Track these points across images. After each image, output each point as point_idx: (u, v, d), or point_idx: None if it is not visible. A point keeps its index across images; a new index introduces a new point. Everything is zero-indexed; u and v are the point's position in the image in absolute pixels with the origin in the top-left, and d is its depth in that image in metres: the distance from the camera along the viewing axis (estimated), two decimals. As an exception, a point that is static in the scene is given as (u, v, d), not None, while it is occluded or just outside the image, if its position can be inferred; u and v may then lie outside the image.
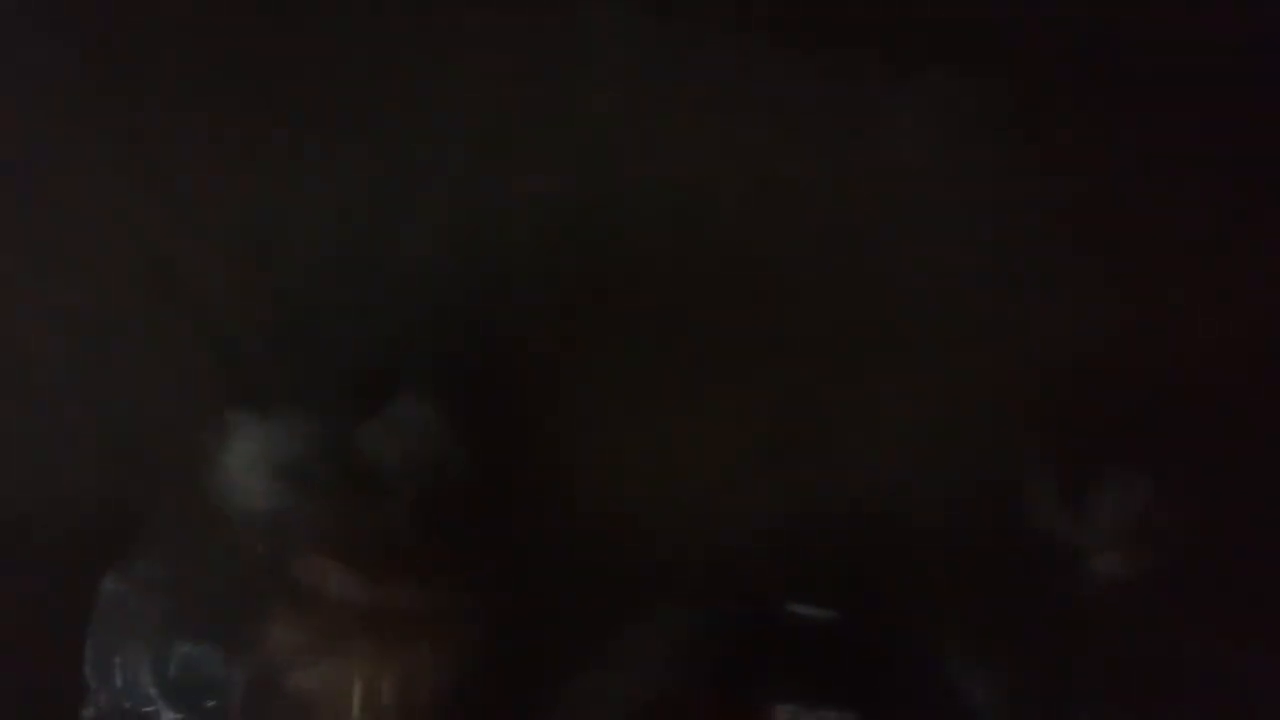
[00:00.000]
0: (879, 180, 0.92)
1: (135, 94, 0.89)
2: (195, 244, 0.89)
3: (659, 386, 0.93)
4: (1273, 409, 0.90)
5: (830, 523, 0.91)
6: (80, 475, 0.88)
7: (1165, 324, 0.92)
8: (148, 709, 0.83)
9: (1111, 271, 0.91)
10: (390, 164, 0.91)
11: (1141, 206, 0.92)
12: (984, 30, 0.90)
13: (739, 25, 0.91)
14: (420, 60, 0.90)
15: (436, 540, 0.87)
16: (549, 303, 0.92)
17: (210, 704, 0.82)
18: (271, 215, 0.91)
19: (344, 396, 0.89)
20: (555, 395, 0.92)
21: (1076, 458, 0.86)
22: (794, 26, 0.91)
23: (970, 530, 0.88)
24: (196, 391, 0.89)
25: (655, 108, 0.92)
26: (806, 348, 0.93)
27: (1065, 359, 0.91)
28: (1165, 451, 0.86)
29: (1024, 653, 0.84)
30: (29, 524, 0.87)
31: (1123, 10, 0.90)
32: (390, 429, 0.89)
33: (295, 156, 0.90)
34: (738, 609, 0.87)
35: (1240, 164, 0.91)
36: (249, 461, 0.87)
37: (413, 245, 0.91)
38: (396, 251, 0.91)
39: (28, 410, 0.89)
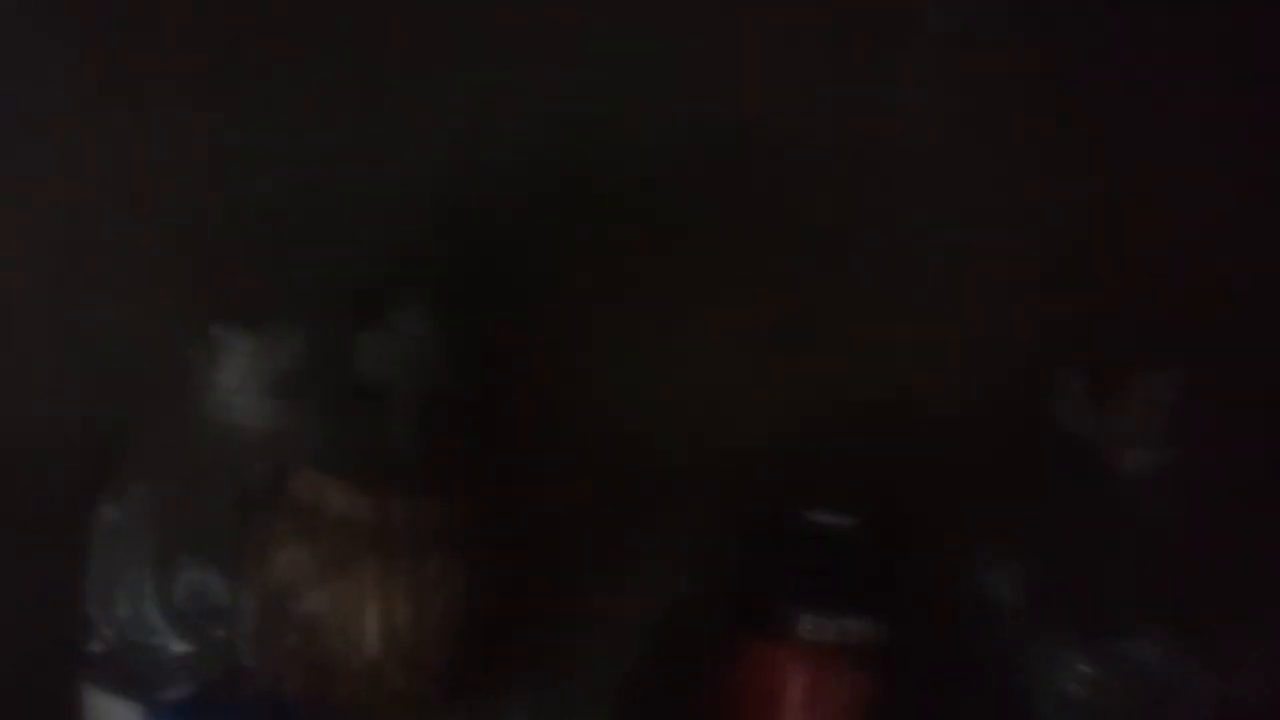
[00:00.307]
0: (891, 68, 0.88)
1: (112, 6, 0.84)
2: (180, 157, 0.85)
3: (663, 289, 0.90)
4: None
5: (846, 425, 0.88)
6: (69, 399, 0.85)
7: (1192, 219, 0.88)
8: (155, 640, 0.81)
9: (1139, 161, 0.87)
10: (383, 72, 0.87)
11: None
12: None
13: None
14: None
15: (440, 453, 0.84)
16: (548, 208, 0.89)
17: (219, 632, 0.80)
18: (259, 126, 0.87)
19: (339, 309, 0.86)
20: (556, 300, 0.89)
21: (1104, 353, 0.84)
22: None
23: (993, 429, 0.86)
24: (186, 309, 0.85)
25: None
26: (816, 240, 0.90)
27: (1092, 248, 0.88)
28: (1194, 346, 0.84)
29: (1048, 553, 0.82)
30: (19, 453, 0.84)
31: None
32: (387, 340, 0.86)
33: (283, 65, 0.85)
34: (752, 517, 0.86)
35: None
36: (242, 378, 0.84)
37: (407, 153, 0.87)
38: (392, 160, 0.87)
39: (12, 335, 0.85)
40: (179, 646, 0.81)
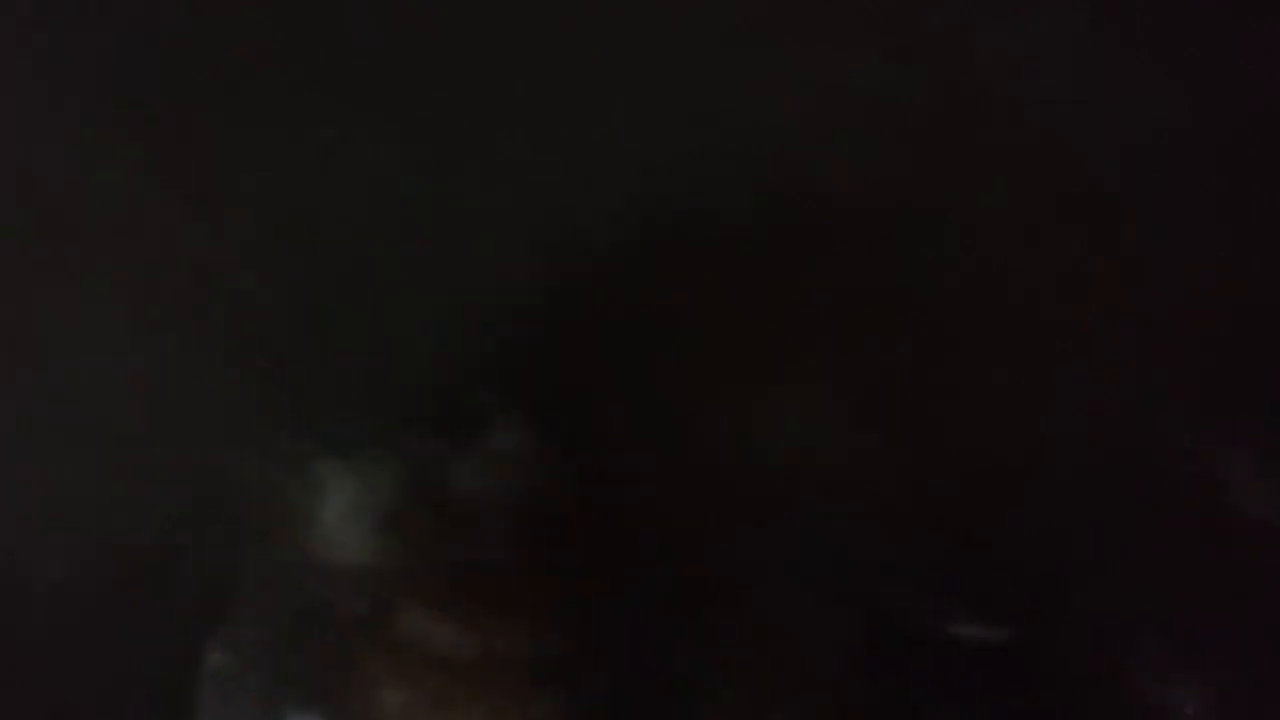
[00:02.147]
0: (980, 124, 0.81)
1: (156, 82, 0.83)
2: (272, 286, 0.84)
3: (768, 387, 0.84)
4: None
5: (966, 518, 0.80)
6: (170, 540, 0.83)
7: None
8: (262, 789, 0.78)
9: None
10: (456, 178, 0.84)
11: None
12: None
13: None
14: (463, 50, 0.83)
15: (545, 578, 0.79)
16: (636, 308, 0.84)
17: (325, 782, 0.77)
18: (332, 240, 0.84)
19: (434, 434, 0.82)
20: (652, 402, 0.84)
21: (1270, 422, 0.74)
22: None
23: (1147, 512, 0.77)
24: (282, 445, 0.83)
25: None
26: (911, 314, 0.83)
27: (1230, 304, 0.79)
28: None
29: (1234, 661, 0.72)
30: (122, 594, 0.82)
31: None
32: (485, 462, 0.82)
33: (354, 177, 0.83)
34: (883, 631, 0.78)
35: None
36: (343, 514, 0.81)
37: (485, 259, 0.83)
38: (469, 268, 0.84)
39: (111, 475, 0.84)
40: (286, 797, 0.77)
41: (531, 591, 0.78)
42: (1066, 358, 0.84)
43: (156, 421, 0.82)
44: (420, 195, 0.83)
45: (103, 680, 0.80)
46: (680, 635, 0.79)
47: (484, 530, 0.80)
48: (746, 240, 0.86)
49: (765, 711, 0.77)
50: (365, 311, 0.83)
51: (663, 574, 0.81)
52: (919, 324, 0.84)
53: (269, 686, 0.79)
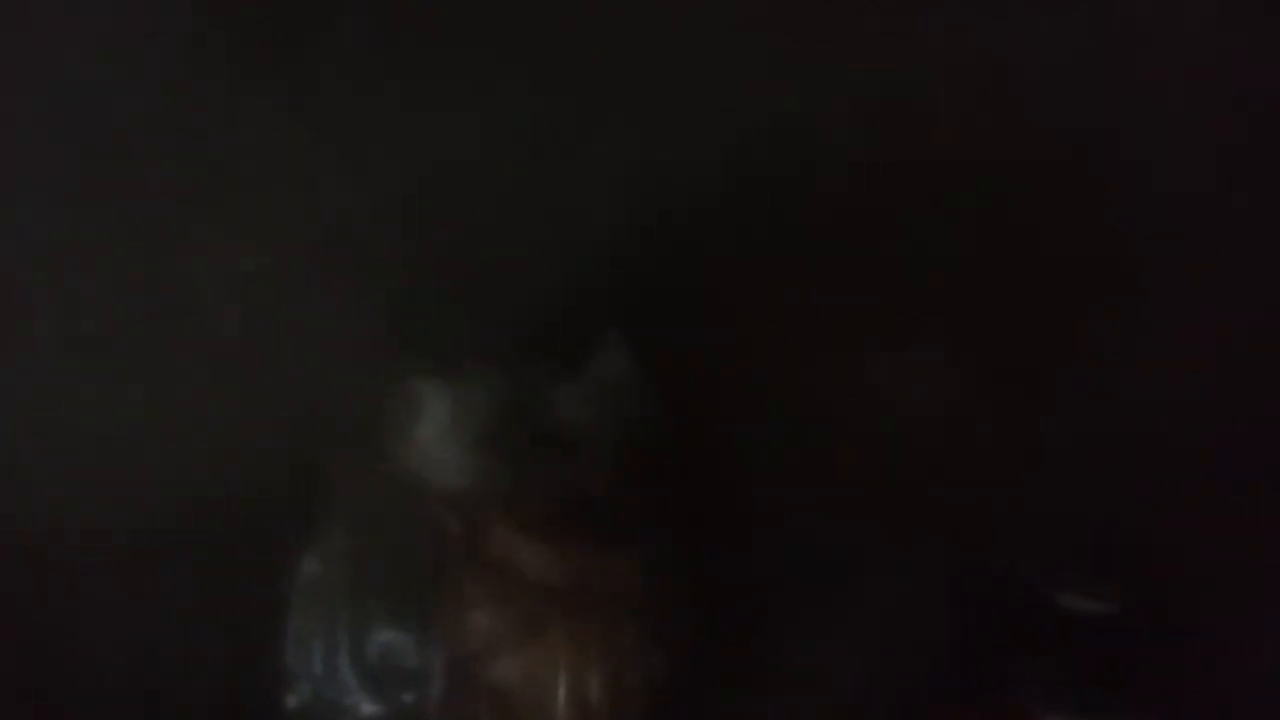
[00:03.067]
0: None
1: (300, 47, 0.84)
2: (374, 204, 0.84)
3: (867, 330, 0.83)
4: None
5: (1082, 479, 0.79)
6: (270, 449, 0.84)
7: None
8: (348, 699, 0.79)
9: None
10: (568, 111, 0.83)
11: None
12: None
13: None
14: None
15: (637, 510, 0.79)
16: (742, 246, 0.83)
17: (408, 698, 0.77)
18: (448, 171, 0.84)
19: (536, 357, 0.82)
20: (756, 343, 0.83)
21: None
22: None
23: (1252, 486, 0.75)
24: (383, 358, 0.83)
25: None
26: (1024, 280, 0.82)
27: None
28: None
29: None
30: (222, 501, 0.84)
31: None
32: (586, 388, 0.81)
33: (471, 109, 0.83)
34: (977, 585, 0.77)
35: None
36: (439, 431, 0.81)
37: (596, 197, 0.83)
38: (580, 204, 0.83)
39: (214, 385, 0.85)
40: (370, 708, 0.78)
41: (622, 523, 0.78)
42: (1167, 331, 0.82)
43: (272, 339, 0.83)
44: (535, 141, 0.83)
45: (202, 584, 0.82)
46: (767, 580, 0.79)
47: (579, 458, 0.80)
48: (856, 198, 0.84)
49: (851, 666, 0.77)
50: (475, 241, 0.83)
51: (752, 517, 0.81)
52: (1023, 297, 0.83)
53: (358, 597, 0.80)
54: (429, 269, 0.84)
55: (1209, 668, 0.77)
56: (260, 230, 0.85)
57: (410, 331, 0.83)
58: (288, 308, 0.84)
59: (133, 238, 0.85)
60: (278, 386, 0.84)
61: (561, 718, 0.75)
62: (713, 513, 0.79)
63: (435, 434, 0.81)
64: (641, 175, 0.84)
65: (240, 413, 0.83)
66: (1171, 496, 0.80)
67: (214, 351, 0.85)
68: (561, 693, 0.75)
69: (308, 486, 0.81)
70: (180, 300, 0.85)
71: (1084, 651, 0.74)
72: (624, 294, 0.83)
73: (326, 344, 0.83)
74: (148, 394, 0.84)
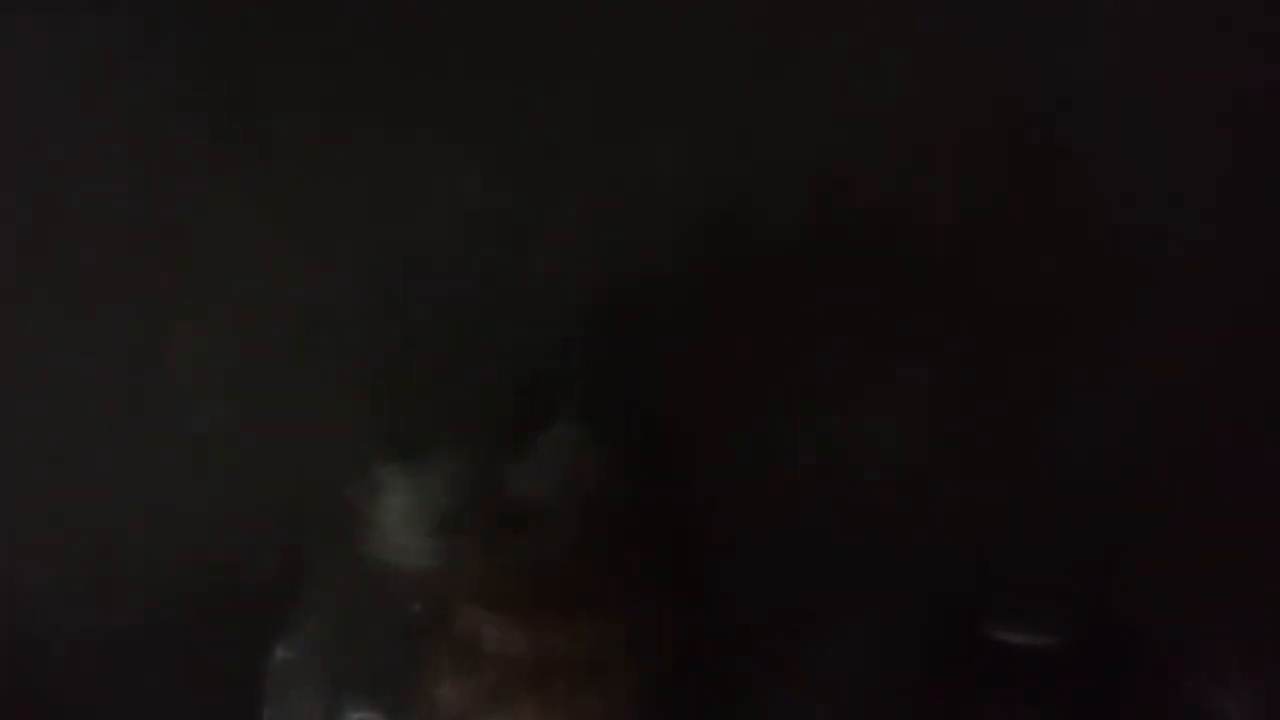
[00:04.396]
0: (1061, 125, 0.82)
1: (265, 145, 0.87)
2: (341, 296, 0.87)
3: (822, 386, 0.86)
4: None
5: (1037, 526, 0.82)
6: (248, 538, 0.86)
7: None
8: (325, 780, 0.81)
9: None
10: (521, 197, 0.87)
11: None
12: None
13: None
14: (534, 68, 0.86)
15: (600, 577, 0.82)
16: (693, 310, 0.87)
17: (385, 773, 0.79)
18: (410, 262, 0.88)
19: (493, 434, 0.85)
20: (711, 406, 0.86)
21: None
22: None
23: (1223, 520, 0.78)
24: (351, 447, 0.86)
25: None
26: (990, 321, 0.85)
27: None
28: None
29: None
30: (192, 589, 0.86)
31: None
32: (543, 462, 0.84)
33: (429, 202, 0.87)
34: (940, 634, 0.79)
35: None
36: (402, 516, 0.84)
37: (544, 268, 0.86)
38: (528, 279, 0.87)
39: (192, 477, 0.88)
40: (348, 787, 0.80)
41: (585, 592, 0.81)
42: (1124, 365, 0.85)
43: (227, 427, 0.86)
44: (486, 215, 0.86)
45: (176, 674, 0.84)
46: (731, 636, 0.81)
47: (540, 532, 0.83)
48: (810, 250, 0.87)
49: (817, 715, 0.79)
50: (428, 324, 0.87)
51: (715, 576, 0.84)
52: (987, 335, 0.85)
53: (332, 681, 0.82)
54: (395, 356, 0.87)
55: (1188, 707, 0.79)
56: (234, 324, 0.88)
57: (376, 420, 0.86)
58: (262, 399, 0.87)
59: (110, 333, 0.88)
60: (253, 477, 0.86)
61: (533, 786, 0.77)
62: (678, 573, 0.82)
63: (399, 519, 0.84)
64: (592, 254, 0.88)
65: (218, 503, 0.86)
66: (1154, 529, 0.82)
67: (192, 443, 0.87)
68: (531, 760, 0.77)
69: (283, 574, 0.84)
70: (159, 394, 0.88)
71: (1059, 688, 0.77)
72: (579, 369, 0.86)
73: (299, 434, 0.86)
74: (128, 487, 0.86)
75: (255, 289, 0.87)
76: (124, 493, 0.86)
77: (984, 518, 0.82)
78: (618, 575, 0.81)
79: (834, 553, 0.82)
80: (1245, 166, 0.85)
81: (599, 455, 0.84)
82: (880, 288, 0.87)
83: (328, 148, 0.86)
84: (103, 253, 0.86)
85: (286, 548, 0.85)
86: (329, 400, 0.86)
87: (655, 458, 0.84)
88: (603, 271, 0.87)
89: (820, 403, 0.86)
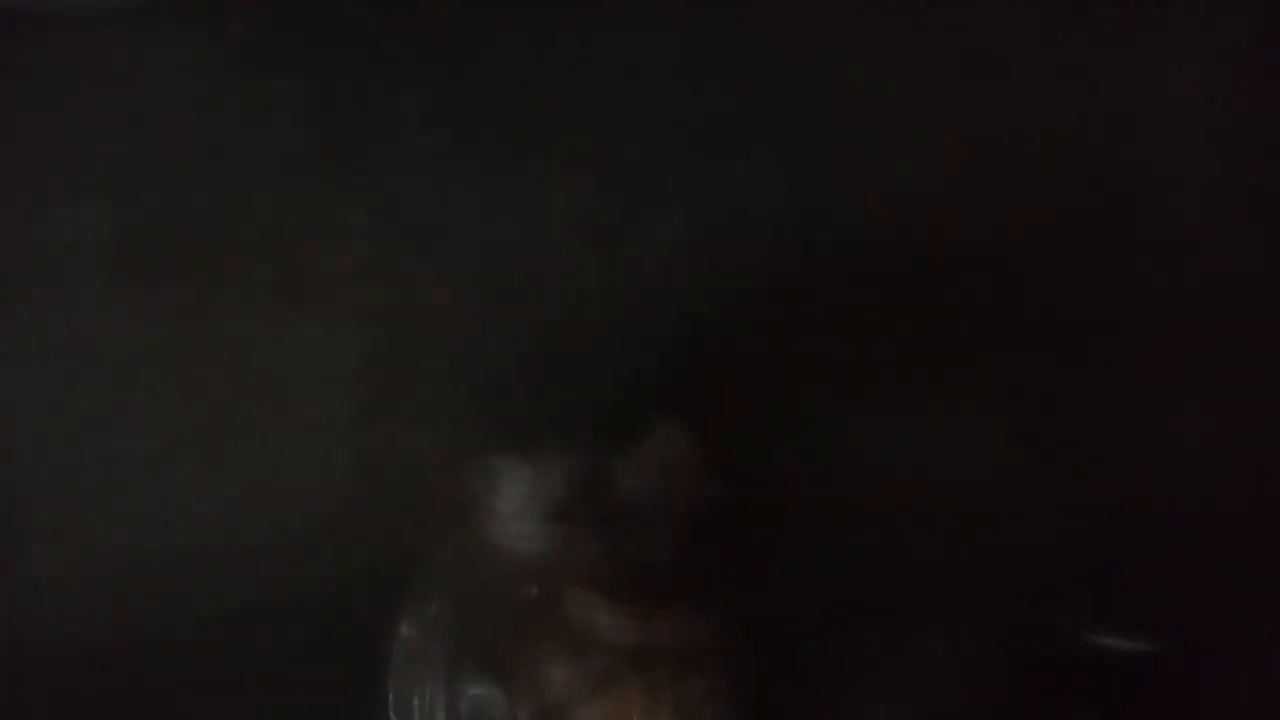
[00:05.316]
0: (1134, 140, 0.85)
1: (388, 159, 0.93)
2: (453, 296, 0.93)
3: (915, 396, 0.90)
4: None
5: (1115, 532, 0.85)
6: (365, 527, 0.93)
7: None
8: (445, 749, 0.87)
9: None
10: (622, 192, 0.92)
11: None
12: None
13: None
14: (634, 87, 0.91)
15: (700, 571, 0.87)
16: (789, 319, 0.91)
17: (500, 746, 0.86)
18: (512, 252, 0.93)
19: (602, 433, 0.91)
20: (804, 411, 0.91)
21: None
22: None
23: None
24: (466, 441, 0.92)
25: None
26: (1066, 332, 0.88)
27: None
28: None
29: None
30: (323, 571, 0.93)
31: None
32: (647, 464, 0.90)
33: (536, 206, 0.92)
34: (1023, 638, 0.83)
35: None
36: (517, 505, 0.90)
37: (649, 274, 0.92)
38: (635, 282, 0.92)
39: (315, 468, 0.94)
40: (473, 756, 0.87)
41: (685, 583, 0.86)
42: (1204, 377, 0.88)
43: (366, 422, 0.93)
44: (602, 229, 0.92)
45: (308, 648, 0.91)
46: (822, 632, 0.86)
47: (643, 525, 0.89)
48: (900, 262, 0.92)
49: (909, 714, 0.83)
50: (545, 328, 0.92)
51: (808, 574, 0.89)
52: (1067, 347, 0.89)
53: (451, 657, 0.89)
54: (505, 356, 0.93)
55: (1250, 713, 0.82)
56: (353, 323, 0.95)
57: (490, 415, 0.92)
58: (382, 392, 0.94)
59: (237, 332, 0.95)
60: (373, 468, 0.93)
61: (636, 763, 0.83)
62: (769, 574, 0.87)
63: (514, 509, 0.90)
64: (691, 260, 0.93)
65: (345, 491, 0.93)
66: (1207, 543, 0.85)
67: (315, 433, 0.94)
68: (635, 741, 0.83)
69: (404, 559, 0.90)
70: (283, 391, 0.95)
71: (1122, 700, 0.80)
72: (682, 372, 0.92)
73: (416, 428, 0.93)
74: (255, 478, 0.93)
75: (382, 293, 0.93)
76: (257, 479, 0.93)
77: (1066, 525, 0.86)
78: (716, 569, 0.87)
79: (919, 555, 0.87)
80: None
81: (699, 456, 0.89)
82: (970, 299, 0.91)
83: (445, 162, 0.92)
84: (240, 257, 0.93)
85: (411, 533, 0.91)
86: (450, 397, 0.92)
87: (751, 460, 0.89)
88: (702, 281, 0.92)
89: (911, 411, 0.90)
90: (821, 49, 0.90)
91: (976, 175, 0.91)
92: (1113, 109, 0.90)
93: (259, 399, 0.93)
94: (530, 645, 0.87)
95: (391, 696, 0.89)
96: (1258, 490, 0.86)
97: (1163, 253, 0.90)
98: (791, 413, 0.91)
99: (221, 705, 0.91)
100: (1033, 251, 0.91)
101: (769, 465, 0.90)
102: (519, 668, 0.87)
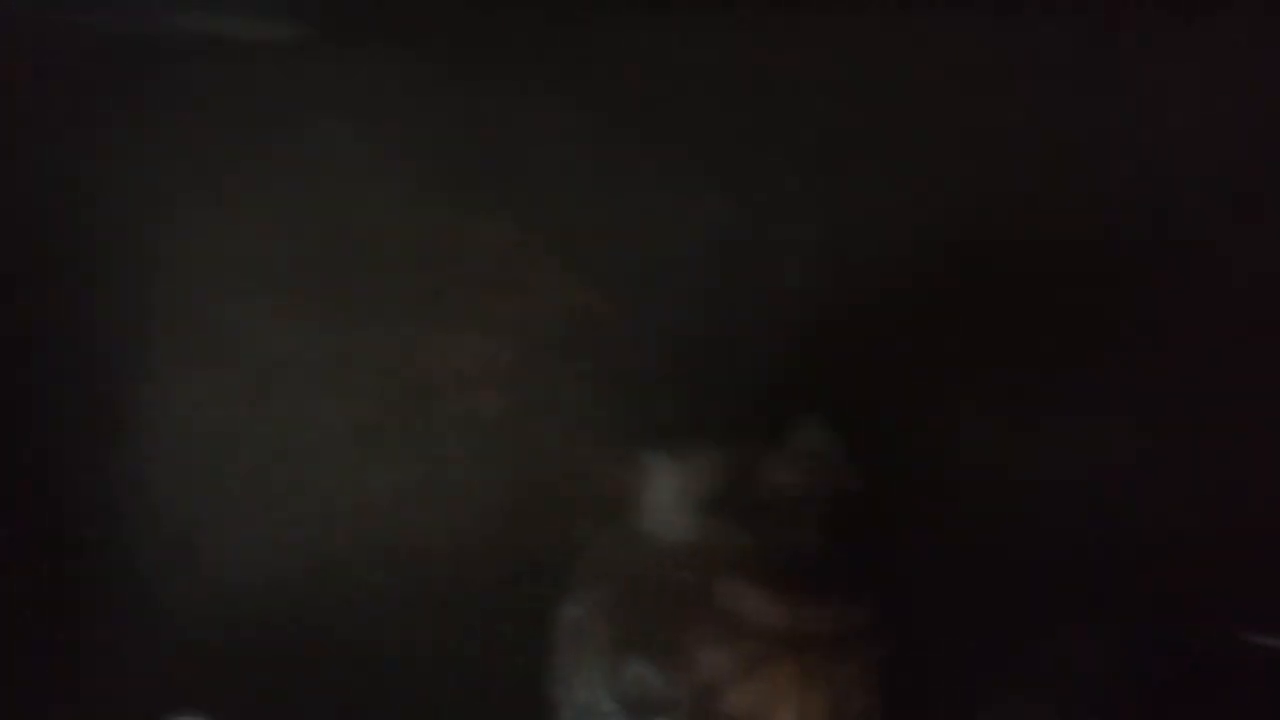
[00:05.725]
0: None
1: (534, 165, 0.99)
2: (606, 298, 0.99)
3: (1050, 391, 0.94)
4: None
5: (1264, 528, 0.88)
6: (535, 514, 1.00)
7: None
8: (608, 722, 0.95)
9: None
10: (764, 197, 0.97)
11: None
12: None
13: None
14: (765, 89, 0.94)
15: (845, 561, 0.93)
16: (927, 318, 0.96)
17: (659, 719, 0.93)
18: (657, 258, 0.99)
19: (747, 430, 0.97)
20: (945, 408, 0.96)
21: None
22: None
23: None
24: (617, 437, 0.99)
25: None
26: (1210, 327, 0.92)
27: None
28: None
29: None
30: (495, 555, 1.00)
31: None
32: (793, 458, 0.96)
33: (681, 210, 0.97)
34: (1173, 634, 0.86)
35: None
36: (669, 497, 0.97)
37: (791, 277, 0.97)
38: (777, 284, 0.97)
39: (478, 461, 1.02)
40: (627, 730, 0.94)
41: (831, 576, 0.93)
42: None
43: (525, 421, 0.99)
44: (743, 234, 0.97)
45: (481, 626, 0.99)
46: (964, 624, 0.91)
47: (790, 517, 0.95)
48: (1035, 261, 0.95)
49: (1051, 710, 0.89)
50: (691, 330, 0.98)
51: (950, 565, 0.94)
52: (1211, 348, 0.91)
53: (612, 637, 0.96)
54: (654, 358, 0.99)
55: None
56: (511, 324, 1.01)
57: (640, 414, 0.99)
58: (538, 392, 1.00)
59: (403, 335, 1.01)
60: (533, 464, 1.00)
61: (788, 740, 0.90)
62: (913, 564, 0.93)
63: (665, 500, 0.97)
64: (831, 264, 0.98)
65: (512, 482, 1.00)
66: None
67: (476, 432, 1.01)
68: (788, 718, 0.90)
69: (565, 548, 0.97)
70: (446, 388, 1.02)
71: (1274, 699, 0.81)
72: (823, 371, 0.97)
73: (572, 426, 0.99)
74: (424, 475, 1.01)
75: (538, 296, 0.99)
76: (426, 476, 1.00)
77: (1213, 521, 0.89)
78: (861, 560, 0.93)
79: (1063, 550, 0.91)
80: None
81: (841, 451, 0.95)
82: (1110, 297, 0.94)
83: (592, 173, 0.97)
84: (404, 269, 1.00)
85: (571, 524, 0.98)
86: (603, 398, 0.99)
87: (893, 454, 0.95)
88: (841, 284, 0.97)
89: (1053, 406, 0.94)
90: (958, 59, 0.93)
91: (1108, 179, 0.94)
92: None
93: (425, 401, 1.00)
94: (685, 629, 0.94)
95: (555, 672, 0.97)
96: None
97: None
98: (931, 408, 0.96)
99: (399, 683, 0.99)
100: (1171, 251, 0.94)
101: (910, 460, 0.96)
102: (675, 649, 0.94)
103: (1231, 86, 0.90)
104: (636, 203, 0.98)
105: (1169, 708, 0.84)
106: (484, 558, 0.99)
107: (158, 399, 0.99)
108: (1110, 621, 0.89)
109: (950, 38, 0.92)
